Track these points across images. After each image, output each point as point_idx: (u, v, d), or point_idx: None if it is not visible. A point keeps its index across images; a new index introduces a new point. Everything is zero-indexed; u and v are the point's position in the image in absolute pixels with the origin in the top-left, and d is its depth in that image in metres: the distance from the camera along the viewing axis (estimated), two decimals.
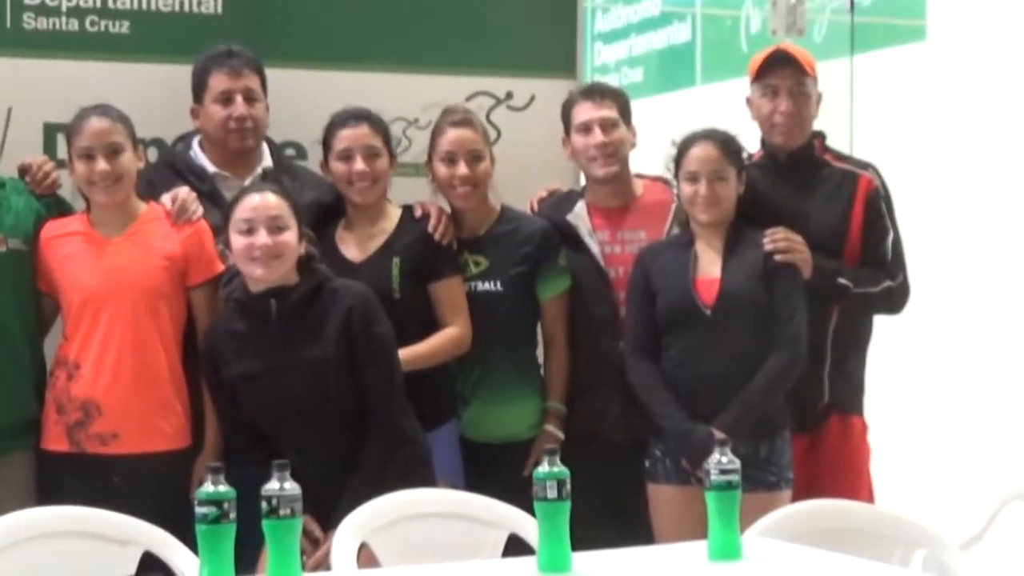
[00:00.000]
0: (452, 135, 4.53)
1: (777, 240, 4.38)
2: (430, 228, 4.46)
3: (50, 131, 4.64)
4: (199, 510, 2.96)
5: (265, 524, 3.00)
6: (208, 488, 2.97)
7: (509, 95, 5.14)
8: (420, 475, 4.03)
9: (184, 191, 4.36)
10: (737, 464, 3.27)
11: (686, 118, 4.89)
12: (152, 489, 4.05)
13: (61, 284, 4.23)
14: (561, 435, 4.49)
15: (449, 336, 4.43)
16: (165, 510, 3.63)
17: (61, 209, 4.37)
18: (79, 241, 4.24)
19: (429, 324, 4.43)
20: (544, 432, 4.50)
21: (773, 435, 4.34)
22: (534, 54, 5.19)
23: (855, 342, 4.65)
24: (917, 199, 6.15)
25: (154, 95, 4.66)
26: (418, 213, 4.51)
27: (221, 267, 4.30)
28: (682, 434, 4.28)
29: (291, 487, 3.01)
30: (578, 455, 3.65)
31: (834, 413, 4.60)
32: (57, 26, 4.73)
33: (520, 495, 3.45)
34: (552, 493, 3.12)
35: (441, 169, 4.53)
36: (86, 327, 4.17)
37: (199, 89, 4.54)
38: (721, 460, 3.26)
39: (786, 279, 4.37)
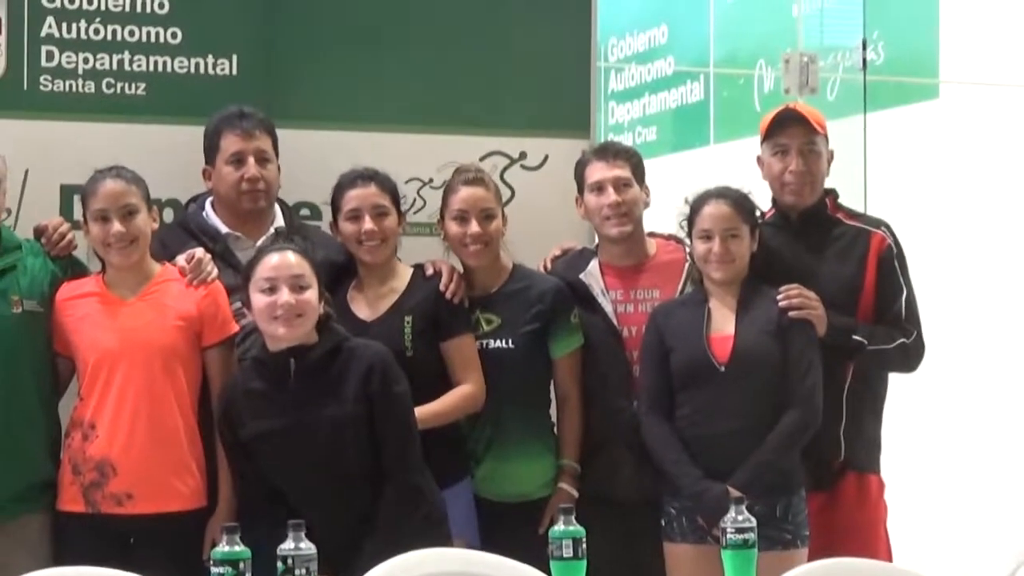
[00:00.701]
0: (464, 194, 4.54)
1: (791, 297, 4.39)
2: (441, 287, 4.47)
3: (66, 193, 4.66)
4: (214, 570, 2.98)
5: None
6: (223, 548, 2.98)
7: (523, 155, 5.16)
8: (436, 534, 4.02)
9: (199, 251, 4.37)
10: (753, 522, 3.26)
11: (700, 177, 4.90)
12: (168, 549, 4.05)
13: (76, 345, 4.24)
14: (576, 493, 4.48)
15: (463, 394, 4.43)
16: (181, 570, 3.62)
17: (76, 270, 4.38)
18: (94, 302, 4.25)
19: (442, 382, 4.43)
20: (559, 490, 4.49)
21: (789, 493, 4.32)
22: (548, 114, 5.22)
23: (871, 400, 4.63)
24: (931, 256, 6.15)
25: (170, 156, 4.69)
26: (429, 272, 4.52)
27: (236, 327, 4.31)
28: (697, 492, 4.27)
29: (307, 547, 3.02)
30: (591, 514, 3.64)
31: (850, 471, 4.58)
32: (74, 88, 4.77)
33: (535, 553, 3.44)
34: (568, 552, 3.13)
35: (453, 227, 4.54)
36: (101, 388, 4.17)
37: (211, 151, 4.56)
38: (737, 518, 3.25)
39: (800, 336, 4.36)
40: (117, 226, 4.19)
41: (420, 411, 4.23)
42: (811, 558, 4.14)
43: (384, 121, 5.02)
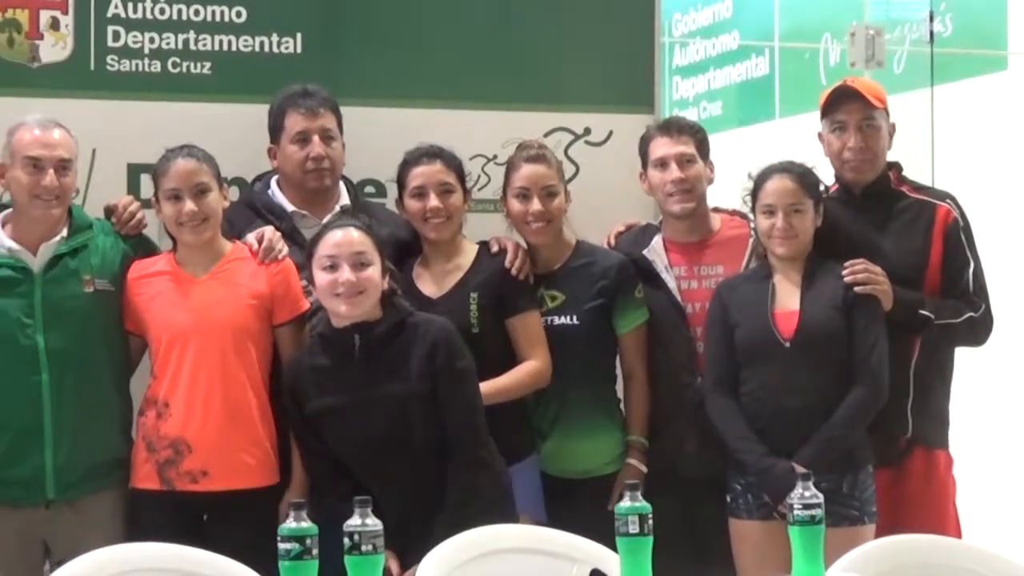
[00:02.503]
0: (526, 171, 4.54)
1: (857, 271, 4.36)
2: (507, 263, 4.47)
3: (134, 171, 4.70)
4: (282, 546, 3.00)
5: (347, 560, 3.02)
6: (290, 524, 3.00)
7: (587, 130, 5.15)
8: (502, 509, 4.04)
9: (270, 230, 4.39)
10: (820, 498, 3.24)
11: (766, 151, 4.88)
12: (241, 526, 4.07)
13: (149, 324, 4.27)
14: (644, 468, 4.48)
15: (530, 370, 4.44)
16: (254, 547, 3.63)
17: (147, 249, 4.41)
18: (166, 280, 4.28)
19: (507, 358, 4.44)
20: (627, 466, 4.49)
21: (856, 469, 4.30)
22: (612, 89, 5.21)
23: (938, 375, 4.60)
24: (999, 229, 6.10)
25: (235, 135, 4.70)
26: (494, 248, 4.53)
27: (306, 305, 4.33)
28: (763, 469, 4.25)
29: (373, 523, 3.03)
30: (656, 490, 3.64)
31: (918, 447, 4.55)
32: (140, 68, 4.80)
33: (601, 530, 3.44)
34: (634, 528, 3.12)
35: (515, 205, 4.54)
36: (174, 366, 4.20)
37: (276, 130, 4.58)
38: (804, 494, 3.23)
39: (866, 311, 4.34)
40: (189, 205, 4.21)
41: (486, 387, 4.24)
42: (879, 535, 4.12)
43: (448, 98, 5.02)
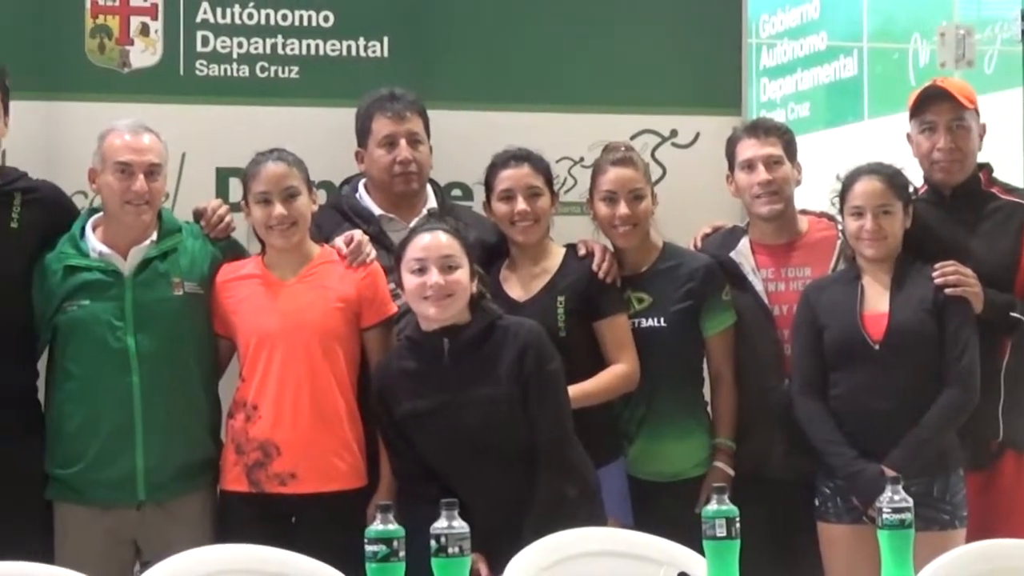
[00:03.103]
0: (613, 174, 4.53)
1: (947, 273, 4.32)
2: (594, 266, 4.46)
3: (222, 175, 4.75)
4: (368, 548, 3.01)
5: (434, 563, 3.03)
6: (377, 526, 3.01)
7: (674, 132, 5.14)
8: (590, 512, 4.03)
9: (358, 233, 4.41)
10: (910, 502, 3.22)
11: (855, 152, 4.84)
12: (329, 528, 4.08)
13: (237, 326, 4.30)
14: (731, 472, 4.46)
15: (618, 373, 4.43)
16: (341, 549, 3.65)
17: (235, 252, 4.45)
18: (255, 283, 4.30)
19: (595, 362, 4.43)
20: (714, 469, 4.47)
21: (947, 473, 4.27)
22: (699, 91, 5.19)
23: None
24: None
25: (323, 138, 4.73)
26: (582, 252, 4.52)
27: (394, 308, 4.34)
28: (852, 473, 4.23)
29: (459, 525, 3.03)
30: (744, 493, 3.62)
31: (1009, 450, 4.50)
32: (228, 72, 4.85)
33: (689, 533, 3.43)
34: (721, 532, 3.11)
35: (602, 208, 4.53)
36: (263, 369, 4.22)
37: (363, 133, 4.60)
38: (894, 498, 3.21)
39: (957, 313, 4.30)
40: (279, 208, 4.23)
41: (574, 391, 4.22)
42: (969, 539, 4.09)
43: (535, 100, 5.03)
